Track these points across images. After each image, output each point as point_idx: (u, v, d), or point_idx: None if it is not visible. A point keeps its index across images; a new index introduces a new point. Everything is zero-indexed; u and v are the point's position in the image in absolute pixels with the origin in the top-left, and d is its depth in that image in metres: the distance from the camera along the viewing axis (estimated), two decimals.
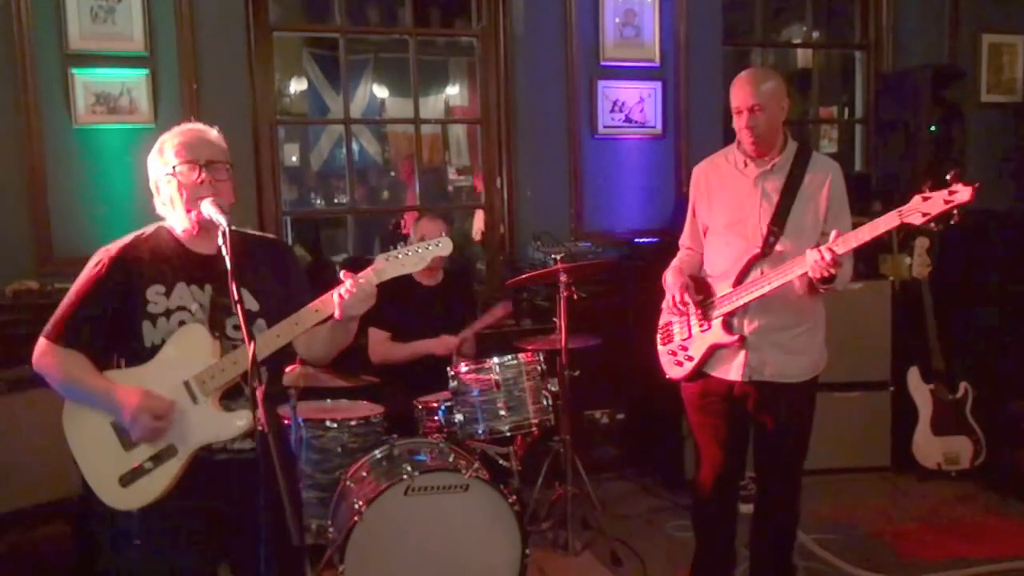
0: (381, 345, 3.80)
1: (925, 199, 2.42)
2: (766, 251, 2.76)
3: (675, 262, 3.04)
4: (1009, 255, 4.78)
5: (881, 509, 4.13)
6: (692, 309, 2.87)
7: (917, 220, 2.43)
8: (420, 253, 2.07)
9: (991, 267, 4.78)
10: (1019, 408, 4.43)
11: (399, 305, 3.68)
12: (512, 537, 2.95)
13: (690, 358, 2.92)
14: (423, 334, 3.80)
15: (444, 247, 2.09)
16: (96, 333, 2.09)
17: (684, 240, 3.11)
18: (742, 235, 2.83)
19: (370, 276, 2.06)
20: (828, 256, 2.50)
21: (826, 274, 2.54)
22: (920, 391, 4.46)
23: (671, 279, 2.93)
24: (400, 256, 2.06)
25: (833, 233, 2.56)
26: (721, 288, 2.84)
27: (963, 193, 2.36)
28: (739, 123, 2.80)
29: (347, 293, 2.04)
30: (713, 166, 2.99)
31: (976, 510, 4.09)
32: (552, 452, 3.80)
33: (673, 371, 3.01)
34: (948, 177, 2.40)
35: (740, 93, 2.78)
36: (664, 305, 3.00)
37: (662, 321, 3.07)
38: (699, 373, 2.91)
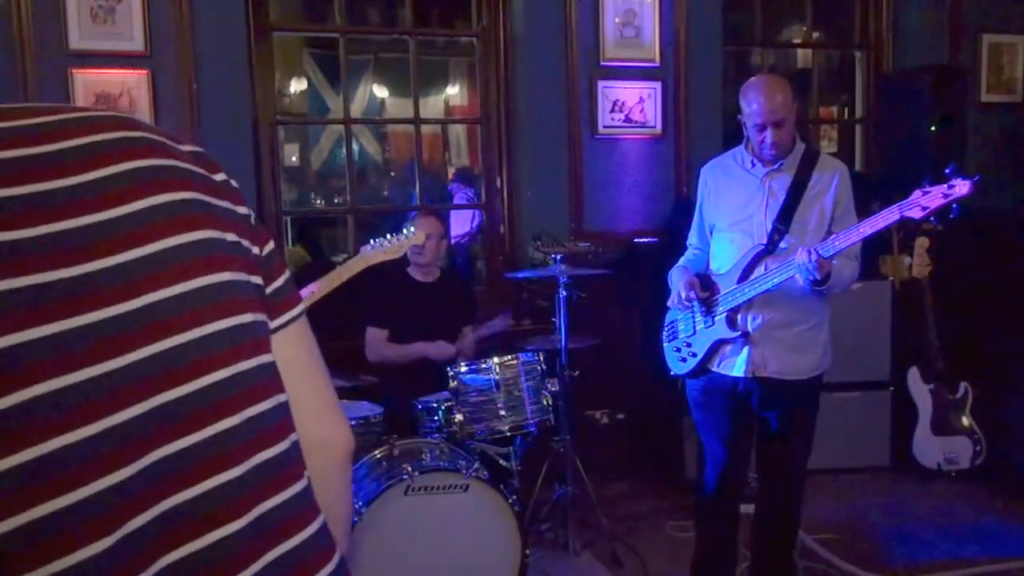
0: (378, 344, 3.80)
1: (924, 193, 2.44)
2: (771, 248, 2.77)
3: (681, 261, 3.06)
4: (1009, 255, 4.77)
5: (881, 509, 4.13)
6: (697, 306, 2.88)
7: (917, 214, 2.45)
8: (400, 241, 2.70)
9: (992, 267, 4.77)
10: (1019, 408, 4.42)
11: (396, 302, 3.70)
12: (512, 537, 2.95)
13: (694, 354, 2.93)
14: (420, 332, 3.80)
15: (417, 237, 2.70)
16: None
17: (691, 239, 3.12)
18: (747, 232, 2.84)
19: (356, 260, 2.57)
20: (814, 257, 2.52)
21: (812, 277, 2.56)
22: (920, 391, 4.46)
23: (676, 276, 2.95)
24: (379, 242, 2.68)
25: (831, 237, 2.58)
26: (726, 285, 2.85)
27: (962, 187, 2.37)
28: (762, 136, 2.75)
29: None
30: (720, 166, 3.00)
31: (976, 510, 4.09)
32: (552, 452, 3.80)
33: (677, 367, 3.03)
34: (947, 171, 2.41)
35: (768, 106, 2.70)
36: (669, 302, 3.00)
37: (667, 319, 3.08)
38: (703, 369, 2.92)
